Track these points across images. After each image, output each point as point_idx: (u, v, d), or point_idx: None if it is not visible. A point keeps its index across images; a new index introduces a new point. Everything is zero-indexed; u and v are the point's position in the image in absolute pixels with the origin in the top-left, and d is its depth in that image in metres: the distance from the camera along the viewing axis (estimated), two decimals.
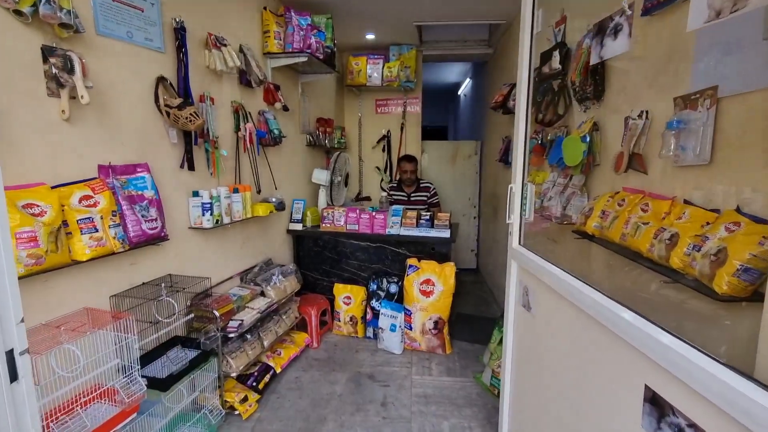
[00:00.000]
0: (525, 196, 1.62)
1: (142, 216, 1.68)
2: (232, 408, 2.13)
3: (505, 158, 3.46)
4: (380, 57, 4.05)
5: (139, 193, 1.72)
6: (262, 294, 2.55)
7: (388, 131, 4.48)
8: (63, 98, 1.42)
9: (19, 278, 1.22)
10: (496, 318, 2.80)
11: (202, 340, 1.90)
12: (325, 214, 3.17)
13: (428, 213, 3.10)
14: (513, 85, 2.85)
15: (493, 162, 4.02)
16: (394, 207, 3.15)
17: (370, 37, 3.89)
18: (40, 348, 1.25)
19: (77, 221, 1.41)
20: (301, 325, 2.96)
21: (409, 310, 2.83)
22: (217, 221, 2.17)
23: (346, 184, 3.58)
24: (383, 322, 2.86)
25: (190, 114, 1.85)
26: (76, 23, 1.43)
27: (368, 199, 4.58)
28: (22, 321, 0.57)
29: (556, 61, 1.78)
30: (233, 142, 2.46)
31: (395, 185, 3.93)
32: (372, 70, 4.06)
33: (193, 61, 2.08)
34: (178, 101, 1.85)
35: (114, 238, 1.52)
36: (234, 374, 2.17)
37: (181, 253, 2.07)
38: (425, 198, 3.82)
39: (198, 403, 1.98)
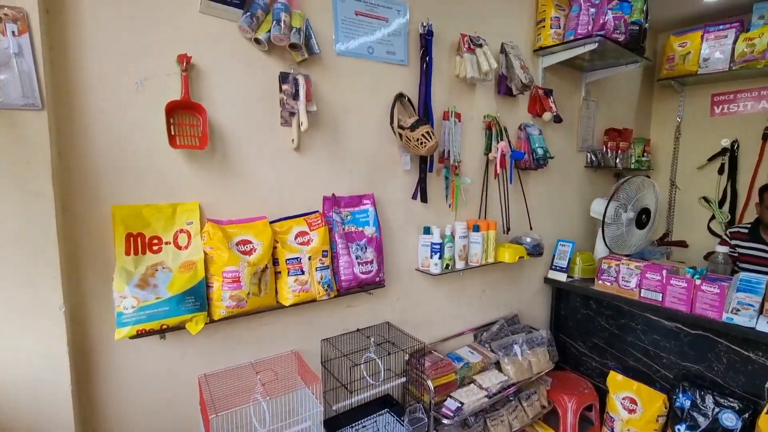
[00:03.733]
0: None
1: (357, 257, 1.43)
2: None
3: None
4: (731, 26, 2.56)
5: (359, 229, 1.48)
6: (498, 366, 1.92)
7: (734, 142, 2.82)
8: (293, 126, 1.32)
9: (220, 320, 1.15)
10: None
11: (405, 422, 1.49)
12: (603, 266, 2.18)
13: None
14: None
15: None
16: (745, 276, 1.77)
17: None
18: (233, 402, 1.14)
19: (286, 261, 1.27)
20: (551, 417, 2.11)
21: None
22: (447, 266, 1.72)
23: (643, 224, 2.40)
24: None
25: (422, 135, 1.47)
26: (311, 44, 1.30)
27: (682, 245, 3.06)
28: None
29: None
30: (481, 166, 1.97)
31: (746, 230, 2.37)
32: (711, 50, 2.62)
33: (439, 70, 1.73)
34: (411, 120, 1.52)
35: (319, 282, 1.31)
36: None
37: (405, 297, 1.75)
38: None
39: None
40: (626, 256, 2.37)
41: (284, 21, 1.18)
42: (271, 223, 1.30)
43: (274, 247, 1.27)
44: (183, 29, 1.13)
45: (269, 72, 1.29)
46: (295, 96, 1.25)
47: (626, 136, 2.74)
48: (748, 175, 2.77)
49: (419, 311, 1.81)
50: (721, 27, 2.61)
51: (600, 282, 2.18)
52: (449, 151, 1.75)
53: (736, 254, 2.36)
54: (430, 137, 1.47)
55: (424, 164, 1.68)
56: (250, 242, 1.21)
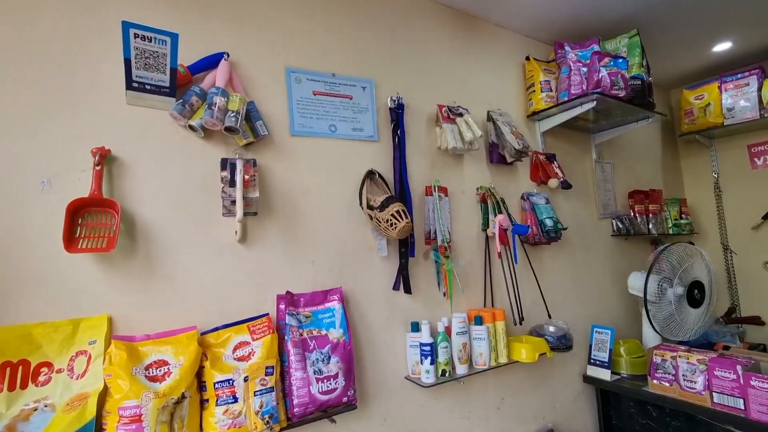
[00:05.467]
0: None
1: (316, 372, 1.13)
2: None
3: None
4: (751, 73, 2.34)
5: (321, 333, 1.20)
6: None
7: None
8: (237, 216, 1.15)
9: None
10: None
11: None
12: (656, 359, 1.72)
13: None
14: None
15: None
16: None
17: (722, 48, 2.33)
18: None
19: (215, 385, 1.00)
20: None
21: None
22: (443, 372, 1.37)
23: (698, 301, 1.94)
24: None
25: (392, 215, 1.26)
26: (256, 127, 1.19)
27: (758, 322, 2.49)
28: None
29: None
30: (480, 245, 1.69)
31: None
32: (733, 99, 2.38)
33: (417, 143, 1.57)
34: (381, 199, 1.32)
35: (257, 412, 1.01)
36: None
37: (393, 418, 1.38)
38: None
39: None
40: (684, 343, 1.90)
41: (218, 105, 1.07)
42: (203, 334, 1.06)
43: (202, 367, 1.01)
44: (105, 122, 1.04)
45: (210, 159, 1.16)
46: (232, 182, 1.09)
47: (655, 198, 2.41)
48: None
49: None
50: (739, 75, 2.39)
51: (655, 382, 1.70)
52: (435, 231, 1.51)
53: None
54: (400, 216, 1.24)
55: (404, 248, 1.43)
56: (165, 363, 0.96)
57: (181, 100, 1.09)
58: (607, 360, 1.88)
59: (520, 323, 1.67)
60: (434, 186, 1.55)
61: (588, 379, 1.94)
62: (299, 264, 1.27)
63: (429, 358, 1.35)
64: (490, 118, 1.78)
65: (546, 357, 1.58)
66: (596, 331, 1.97)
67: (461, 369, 1.42)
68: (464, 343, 1.44)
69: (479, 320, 1.49)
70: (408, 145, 1.53)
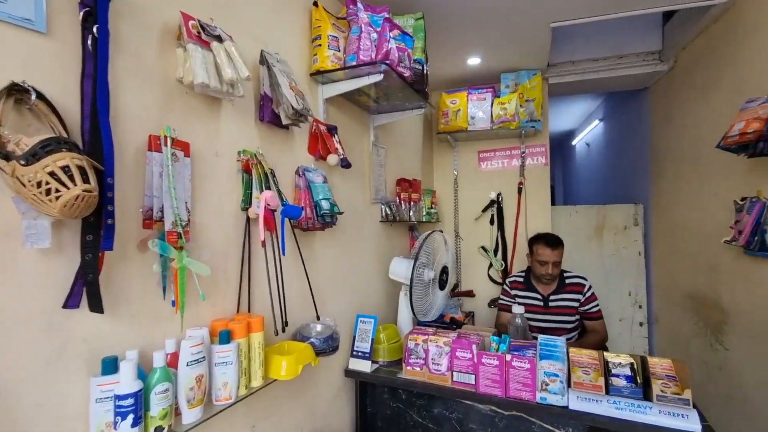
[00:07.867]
0: None
1: None
2: None
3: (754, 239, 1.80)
4: (488, 90, 2.79)
5: None
6: None
7: (499, 194, 3.07)
8: None
9: None
10: None
11: None
12: (410, 344, 1.75)
13: (622, 362, 1.51)
14: None
15: (679, 238, 2.35)
16: (543, 340, 1.61)
17: (475, 61, 2.68)
18: None
19: None
20: None
21: None
22: (157, 431, 0.87)
23: (444, 283, 2.16)
24: None
25: (50, 173, 0.64)
26: None
27: (470, 294, 3.09)
28: None
29: None
30: (237, 229, 1.24)
31: (521, 279, 2.43)
32: (476, 109, 2.79)
33: (137, 63, 0.96)
34: (33, 142, 0.67)
35: None
36: None
37: None
38: (575, 304, 2.27)
39: None
40: (433, 325, 2.06)
41: None
42: None
43: None
44: None
45: None
46: None
47: (416, 187, 2.58)
48: (512, 223, 3.02)
49: None
50: (480, 90, 2.82)
51: (408, 368, 1.72)
52: (161, 207, 0.96)
53: (517, 303, 2.38)
54: (69, 178, 0.65)
55: (92, 234, 0.82)
56: None
57: None
58: (368, 351, 1.81)
59: (284, 330, 1.33)
60: (165, 137, 0.98)
61: (349, 373, 1.83)
62: None
63: (131, 416, 0.82)
64: (264, 61, 1.33)
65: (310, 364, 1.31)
66: (360, 321, 1.88)
67: (191, 416, 0.96)
68: (199, 376, 0.98)
69: (226, 337, 1.06)
70: (119, 62, 0.91)
